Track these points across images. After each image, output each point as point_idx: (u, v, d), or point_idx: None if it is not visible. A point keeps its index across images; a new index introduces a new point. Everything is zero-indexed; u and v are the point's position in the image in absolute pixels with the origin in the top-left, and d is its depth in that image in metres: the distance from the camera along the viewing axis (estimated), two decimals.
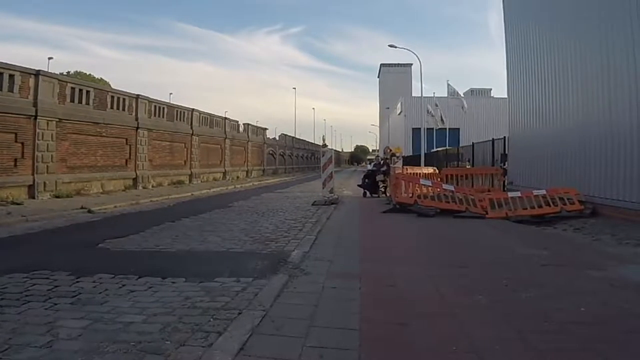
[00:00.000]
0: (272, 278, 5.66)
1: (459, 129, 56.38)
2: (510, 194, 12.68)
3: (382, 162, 20.74)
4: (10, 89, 16.02)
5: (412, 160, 39.58)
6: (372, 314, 4.27)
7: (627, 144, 9.92)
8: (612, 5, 10.67)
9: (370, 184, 19.26)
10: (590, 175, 11.39)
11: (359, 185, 20.44)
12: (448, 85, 49.65)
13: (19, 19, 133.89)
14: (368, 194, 19.18)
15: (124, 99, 23.09)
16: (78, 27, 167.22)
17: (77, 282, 5.64)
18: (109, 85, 48.57)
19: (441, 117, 48.98)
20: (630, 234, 8.55)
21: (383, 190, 19.04)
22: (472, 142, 23.80)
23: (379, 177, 19.01)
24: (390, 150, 23.62)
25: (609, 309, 4.40)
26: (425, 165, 29.62)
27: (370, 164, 24.44)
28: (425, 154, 36.14)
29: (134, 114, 23.79)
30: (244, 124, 42.37)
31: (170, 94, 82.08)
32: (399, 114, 70.56)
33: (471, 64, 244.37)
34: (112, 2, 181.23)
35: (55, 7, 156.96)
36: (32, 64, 17.69)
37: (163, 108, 27.30)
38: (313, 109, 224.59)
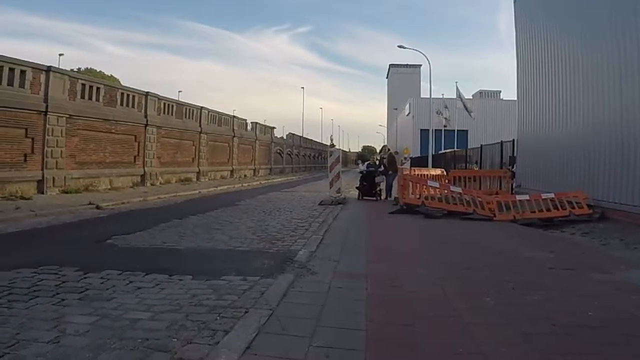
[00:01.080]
0: (279, 277, 5.67)
1: (467, 130, 56.19)
2: (518, 197, 12.63)
3: (377, 161, 19.50)
4: (22, 85, 16.15)
5: (419, 162, 39.47)
6: (378, 315, 4.27)
7: (637, 148, 9.85)
8: (623, 7, 10.59)
9: (368, 186, 17.90)
10: (599, 179, 11.32)
11: (357, 187, 18.72)
12: (457, 87, 49.48)
13: (30, 16, 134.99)
14: (361, 195, 17.96)
15: (133, 96, 23.21)
16: (88, 24, 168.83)
17: (85, 278, 5.68)
18: (119, 82, 48.80)
19: (447, 118, 48.81)
20: (638, 238, 8.48)
21: (379, 192, 17.94)
22: (481, 144, 23.69)
23: (379, 179, 17.87)
24: (389, 150, 21.54)
25: (615, 313, 4.37)
26: (433, 166, 29.53)
27: (362, 164, 21.95)
28: (433, 155, 36.05)
29: (143, 111, 23.89)
30: (251, 123, 42.45)
31: (180, 91, 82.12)
32: (407, 115, 70.45)
33: (481, 66, 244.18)
34: (121, 0, 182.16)
35: (65, 4, 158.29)
36: (43, 60, 17.69)
37: (172, 106, 27.41)
38: (321, 108, 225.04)
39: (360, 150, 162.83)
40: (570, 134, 13.30)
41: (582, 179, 12.18)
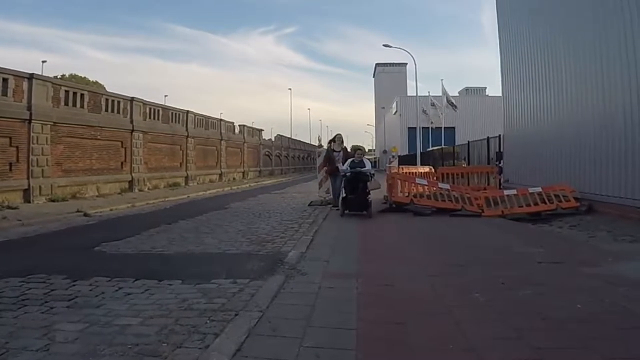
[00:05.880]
0: (269, 279, 5.65)
1: (454, 127, 56.57)
2: (506, 192, 12.71)
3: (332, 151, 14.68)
4: (4, 93, 15.97)
5: (408, 160, 39.65)
6: (369, 314, 4.27)
7: (621, 140, 9.97)
8: (605, 4, 10.70)
9: (358, 195, 12.08)
10: (586, 172, 11.44)
11: (343, 198, 12.59)
12: (442, 85, 49.86)
13: (11, 22, 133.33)
14: (346, 209, 12.41)
15: (118, 102, 23.05)
16: (70, 29, 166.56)
17: (74, 285, 5.62)
18: (104, 88, 48.47)
19: (430, 118, 49.27)
20: (626, 230, 8.58)
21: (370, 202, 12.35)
22: (468, 141, 23.85)
23: (373, 185, 12.44)
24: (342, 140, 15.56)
25: (605, 305, 4.40)
26: (421, 164, 29.73)
27: (342, 163, 13.92)
28: (421, 153, 36.24)
29: (128, 116, 23.75)
30: (239, 126, 42.33)
31: (166, 96, 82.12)
32: (394, 114, 70.79)
33: (466, 63, 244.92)
34: (103, 4, 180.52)
35: (47, 10, 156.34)
36: (26, 67, 17.60)
37: (158, 110, 27.25)
38: (308, 109, 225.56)
39: (349, 149, 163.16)
40: (555, 128, 13.42)
41: (568, 172, 12.29)
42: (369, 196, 12.35)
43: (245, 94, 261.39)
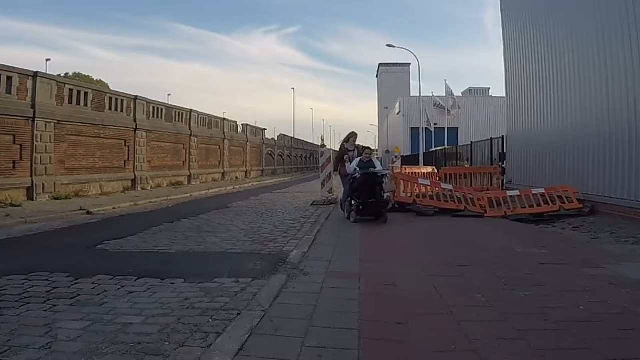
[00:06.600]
0: (271, 278, 5.65)
1: (457, 128, 56.47)
2: (509, 193, 12.69)
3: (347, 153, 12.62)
4: (8, 91, 16.00)
5: (411, 160, 39.60)
6: (371, 314, 4.26)
7: (625, 142, 9.94)
8: (608, 5, 10.67)
9: (374, 201, 10.64)
10: (589, 174, 11.41)
11: (351, 203, 11.10)
12: (446, 85, 49.85)
13: (16, 21, 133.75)
14: (358, 215, 10.79)
15: (122, 101, 23.07)
16: (75, 28, 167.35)
17: (76, 283, 5.63)
18: (108, 86, 48.57)
19: (428, 120, 49.24)
20: (629, 232, 8.56)
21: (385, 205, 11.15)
22: (471, 142, 23.82)
23: (389, 187, 11.69)
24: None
25: (607, 307, 4.39)
26: (424, 164, 29.67)
27: (349, 161, 12.04)
28: (424, 153, 36.18)
29: (132, 115, 23.77)
30: (242, 125, 42.33)
31: (169, 95, 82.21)
32: (397, 114, 70.70)
33: (469, 63, 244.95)
34: (107, 4, 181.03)
35: (52, 9, 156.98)
36: (30, 65, 17.64)
37: (161, 109, 27.28)
38: (311, 109, 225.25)
39: None
40: (559, 129, 13.39)
41: (572, 173, 12.27)
42: (386, 197, 11.34)
43: (249, 94, 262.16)
